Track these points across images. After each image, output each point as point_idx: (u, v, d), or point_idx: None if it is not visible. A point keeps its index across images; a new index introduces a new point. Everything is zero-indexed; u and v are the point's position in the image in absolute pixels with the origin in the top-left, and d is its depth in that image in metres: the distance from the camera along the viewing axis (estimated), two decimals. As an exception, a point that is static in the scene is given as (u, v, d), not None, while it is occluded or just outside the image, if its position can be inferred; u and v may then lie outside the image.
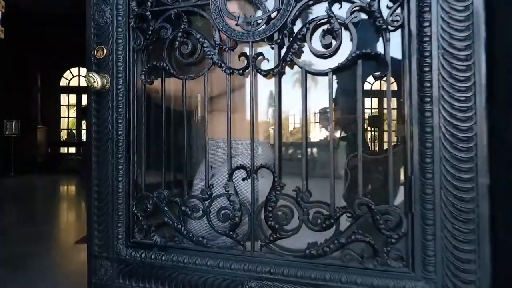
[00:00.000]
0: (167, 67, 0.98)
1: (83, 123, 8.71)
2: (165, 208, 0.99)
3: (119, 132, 1.00)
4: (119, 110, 1.00)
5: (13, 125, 7.28)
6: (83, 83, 8.99)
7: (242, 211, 0.92)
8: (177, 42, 0.96)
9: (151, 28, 0.99)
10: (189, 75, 0.98)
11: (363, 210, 0.84)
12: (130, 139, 1.02)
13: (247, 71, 0.91)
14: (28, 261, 1.99)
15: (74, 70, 9.10)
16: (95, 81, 0.95)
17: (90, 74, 0.96)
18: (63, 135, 9.23)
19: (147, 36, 1.00)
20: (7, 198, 4.52)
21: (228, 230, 0.93)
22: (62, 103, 9.15)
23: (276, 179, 0.89)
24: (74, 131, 9.24)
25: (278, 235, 0.89)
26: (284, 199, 0.91)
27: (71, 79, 9.09)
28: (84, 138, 8.68)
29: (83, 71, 8.87)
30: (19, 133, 7.34)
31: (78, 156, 8.20)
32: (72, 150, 8.82)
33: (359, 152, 0.87)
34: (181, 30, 0.96)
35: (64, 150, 8.94)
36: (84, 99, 8.82)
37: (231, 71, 0.92)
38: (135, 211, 1.02)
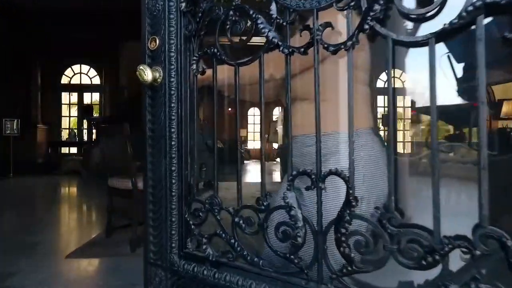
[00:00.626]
0: (218, 53, 0.83)
1: (85, 122, 8.53)
2: (218, 217, 0.86)
3: (172, 130, 0.91)
4: (172, 105, 0.91)
5: (13, 125, 7.02)
6: (85, 80, 8.85)
7: (305, 229, 0.72)
8: (229, 22, 0.81)
9: (201, 9, 0.86)
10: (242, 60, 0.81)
11: (490, 246, 0.54)
12: (182, 137, 0.92)
13: (310, 49, 0.70)
14: (7, 282, 1.82)
15: (76, 68, 8.78)
16: (145, 75, 0.88)
17: (141, 67, 0.88)
18: (64, 134, 8.88)
19: (198, 19, 0.87)
20: (3, 201, 4.27)
21: (289, 252, 0.74)
22: (63, 102, 8.84)
23: (350, 190, 0.66)
24: (75, 131, 8.91)
25: (354, 267, 0.66)
26: (362, 219, 0.67)
27: (72, 76, 8.84)
28: (85, 137, 8.57)
29: (85, 68, 8.85)
30: (19, 133, 7.11)
31: (79, 156, 7.77)
32: (74, 150, 8.38)
33: (482, 154, 0.56)
34: (233, 7, 0.80)
35: (65, 150, 8.56)
36: (86, 97, 8.89)
37: (290, 50, 0.72)
38: (188, 218, 0.91)
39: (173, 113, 0.91)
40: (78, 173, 6.78)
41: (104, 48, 8.25)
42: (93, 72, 8.95)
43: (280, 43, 0.73)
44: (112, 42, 8.25)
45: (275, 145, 12.03)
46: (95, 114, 8.99)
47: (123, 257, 2.32)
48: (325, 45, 0.68)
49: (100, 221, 3.13)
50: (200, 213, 0.89)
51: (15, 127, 7.02)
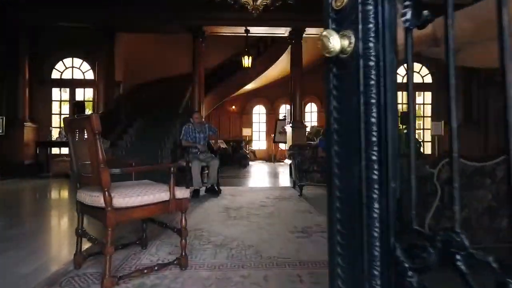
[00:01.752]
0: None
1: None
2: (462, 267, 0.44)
3: (371, 120, 0.59)
4: (370, 82, 0.59)
5: (-3, 122, 6.07)
6: (77, 75, 8.14)
7: None
8: None
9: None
10: None
11: None
12: (387, 131, 0.58)
13: None
14: None
15: (67, 61, 8.04)
16: (331, 43, 0.60)
17: (325, 34, 0.61)
18: (55, 134, 7.93)
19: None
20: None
21: None
22: (53, 98, 8.12)
23: None
24: (67, 130, 8.04)
25: None
26: None
27: (63, 71, 8.11)
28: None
29: (77, 62, 8.16)
30: (4, 132, 6.58)
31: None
32: (65, 150, 7.24)
33: None
34: None
35: (55, 151, 7.66)
36: (79, 94, 8.15)
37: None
38: (400, 257, 0.54)
39: (372, 95, 0.59)
40: (68, 176, 6.16)
41: (98, 39, 7.62)
42: (86, 66, 8.30)
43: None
44: (107, 32, 7.64)
45: (282, 145, 11.35)
46: (89, 111, 8.34)
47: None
48: None
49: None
50: (424, 253, 0.51)
51: (-1, 126, 6.16)
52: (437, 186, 1.86)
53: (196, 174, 4.55)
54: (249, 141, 10.19)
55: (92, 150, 1.77)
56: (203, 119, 5.84)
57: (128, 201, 1.78)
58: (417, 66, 7.96)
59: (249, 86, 11.27)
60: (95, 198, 1.78)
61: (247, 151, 9.89)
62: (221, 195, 4.68)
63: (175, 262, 2.00)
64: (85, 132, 1.84)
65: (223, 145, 9.62)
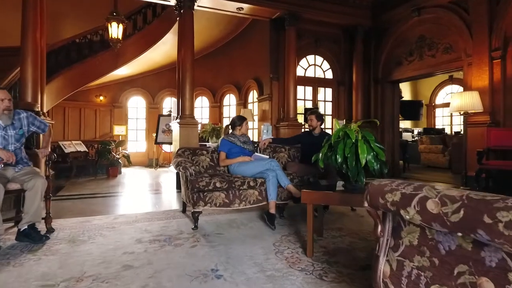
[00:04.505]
0: None
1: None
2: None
3: None
4: None
5: None
6: None
7: None
8: None
9: None
10: None
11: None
12: None
13: None
14: None
15: None
16: None
17: None
18: None
19: None
20: None
21: None
22: None
23: None
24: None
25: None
26: None
27: None
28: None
29: None
30: None
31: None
32: None
33: None
34: None
35: None
36: None
37: None
38: None
39: None
40: None
41: None
42: None
43: None
44: None
45: (166, 147, 9.29)
46: None
47: None
48: None
49: None
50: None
51: None
52: None
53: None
54: (122, 142, 7.80)
55: None
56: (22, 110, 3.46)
57: None
58: (318, 59, 7.31)
59: (123, 72, 8.80)
60: None
61: (119, 155, 7.50)
62: (49, 242, 2.55)
63: None
64: None
65: (81, 148, 6.96)
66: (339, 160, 2.18)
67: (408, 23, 6.31)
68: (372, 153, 2.15)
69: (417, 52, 6.28)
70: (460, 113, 4.89)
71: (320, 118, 3.95)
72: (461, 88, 11.57)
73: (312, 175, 3.52)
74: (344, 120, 7.10)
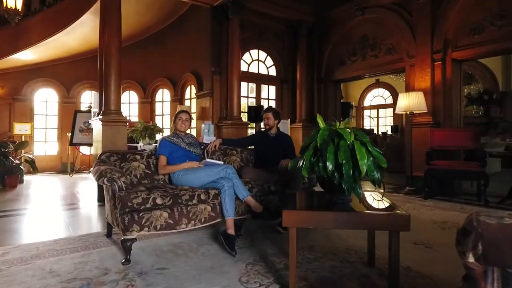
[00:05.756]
0: None
1: None
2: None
3: None
4: None
5: None
6: None
7: None
8: None
9: None
10: None
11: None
12: None
13: None
14: None
15: None
16: None
17: None
18: None
19: None
20: None
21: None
22: None
23: None
24: None
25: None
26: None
27: None
28: None
29: None
30: None
31: None
32: None
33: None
34: None
35: None
36: None
37: None
38: None
39: None
40: None
41: None
42: None
43: None
44: None
45: (85, 150, 7.87)
46: None
47: None
48: None
49: None
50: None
51: None
52: None
53: None
54: (24, 143, 6.25)
55: None
56: None
57: None
58: (262, 54, 6.87)
59: (29, 57, 7.16)
60: None
61: (20, 160, 6.00)
62: None
63: None
64: None
65: None
66: (330, 168, 1.67)
67: (352, 22, 6.25)
68: (371, 159, 1.68)
69: (360, 52, 6.26)
70: (407, 113, 4.90)
71: (278, 116, 3.45)
72: (387, 92, 12.47)
73: (273, 183, 2.99)
74: (289, 120, 6.79)
